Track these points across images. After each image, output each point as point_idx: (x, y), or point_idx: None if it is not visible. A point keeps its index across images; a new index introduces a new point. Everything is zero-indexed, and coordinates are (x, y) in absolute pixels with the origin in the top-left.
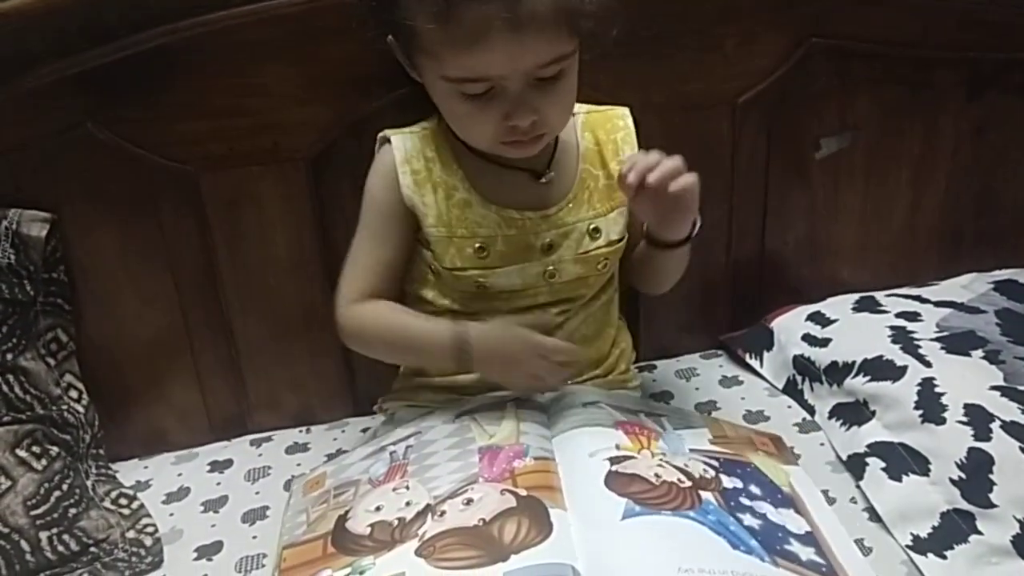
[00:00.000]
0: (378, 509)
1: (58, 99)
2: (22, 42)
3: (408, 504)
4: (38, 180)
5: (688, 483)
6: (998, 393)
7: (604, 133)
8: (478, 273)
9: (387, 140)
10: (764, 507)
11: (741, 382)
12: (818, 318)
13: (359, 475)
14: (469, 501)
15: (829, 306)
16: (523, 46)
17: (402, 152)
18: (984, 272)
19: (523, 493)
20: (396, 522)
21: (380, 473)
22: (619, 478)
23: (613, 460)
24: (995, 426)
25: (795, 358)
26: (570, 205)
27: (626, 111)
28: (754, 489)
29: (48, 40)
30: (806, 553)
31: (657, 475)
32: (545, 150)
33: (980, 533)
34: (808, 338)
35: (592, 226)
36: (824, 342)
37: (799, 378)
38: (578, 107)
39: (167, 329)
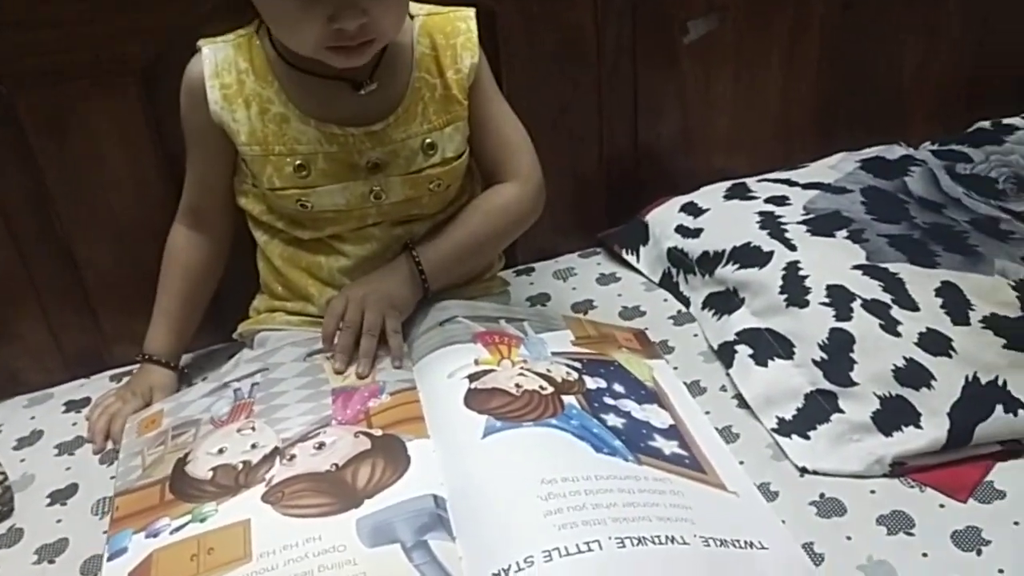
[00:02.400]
0: (221, 451)
1: None
2: None
3: (254, 447)
4: None
5: (550, 389)
6: (860, 272)
7: (443, 37)
8: (299, 192)
9: (199, 51)
10: (628, 405)
11: (619, 279)
12: (691, 208)
13: (200, 414)
14: (321, 445)
15: (701, 196)
16: None
17: (212, 64)
18: (853, 151)
19: (378, 433)
20: (241, 466)
21: (223, 412)
22: (479, 395)
23: (472, 377)
24: (856, 305)
25: (669, 250)
26: (399, 119)
27: (471, 12)
28: (618, 387)
29: None
30: (669, 447)
31: (518, 385)
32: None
33: (842, 412)
34: (681, 229)
35: (427, 141)
36: (696, 232)
37: (674, 270)
38: (417, 8)
39: (1, 262)
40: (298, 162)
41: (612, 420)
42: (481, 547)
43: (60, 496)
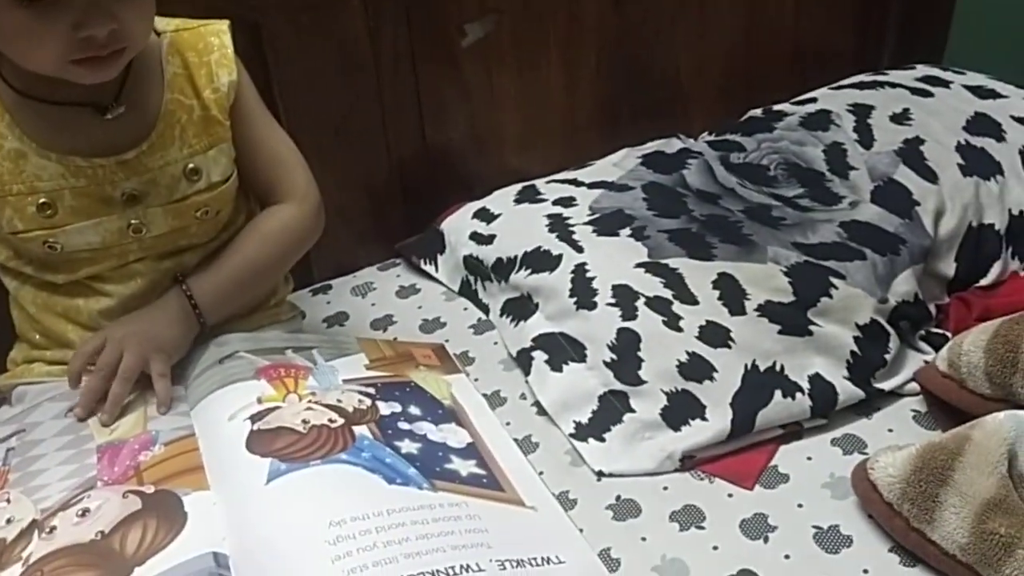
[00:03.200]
0: None
1: None
2: None
3: (9, 521)
4: None
5: (340, 421)
6: (643, 270)
7: (195, 55)
8: (45, 234)
9: None
10: (424, 427)
11: (419, 290)
12: (483, 214)
13: None
14: (85, 512)
15: (493, 200)
16: None
17: None
18: (636, 147)
19: (150, 490)
20: None
21: None
22: (262, 436)
23: (255, 417)
24: (640, 303)
25: (465, 258)
26: (154, 146)
27: (224, 26)
28: (413, 410)
29: None
30: (467, 467)
31: (305, 421)
32: (112, 79)
33: (633, 411)
34: (476, 236)
35: (189, 166)
36: (490, 239)
37: (472, 278)
38: (164, 23)
39: None
40: (41, 200)
41: (407, 447)
42: None
43: None
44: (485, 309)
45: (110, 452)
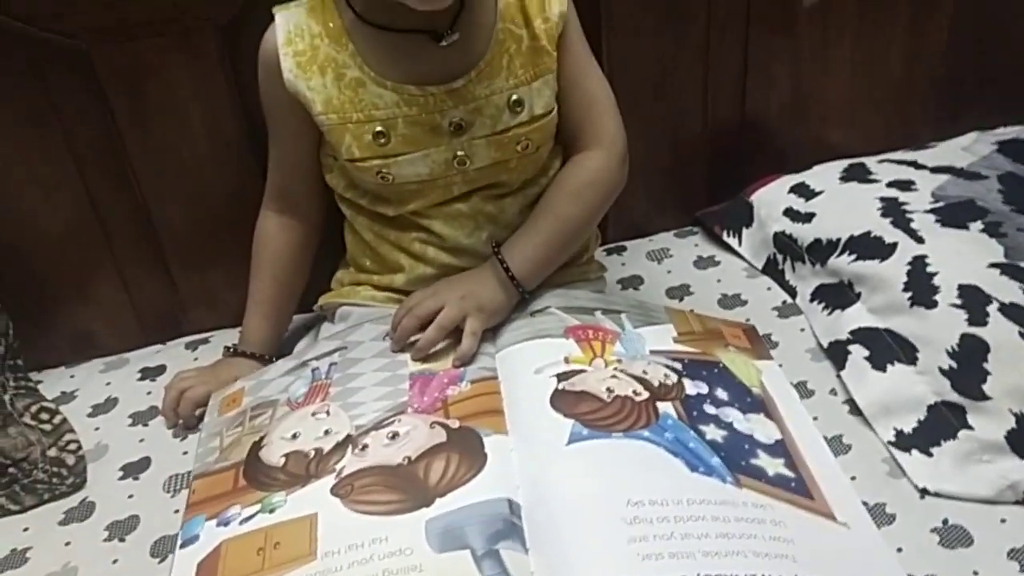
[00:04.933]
0: (295, 437)
1: None
2: None
3: (327, 433)
4: None
5: (644, 395)
6: (997, 271)
7: None
8: (379, 163)
9: (273, 18)
10: (731, 414)
11: (718, 263)
12: (802, 190)
13: (278, 394)
14: (395, 435)
15: (814, 176)
16: None
17: (285, 31)
18: (988, 131)
19: (455, 425)
20: (313, 453)
21: (300, 393)
22: (566, 396)
23: (561, 376)
24: (992, 309)
25: (776, 235)
26: (482, 73)
27: None
28: (720, 393)
29: None
30: (774, 467)
31: (609, 389)
32: (448, 7)
33: (971, 428)
34: (790, 213)
35: (513, 97)
36: (808, 217)
37: (780, 257)
38: None
39: (76, 220)
40: (377, 128)
41: (711, 432)
42: (556, 565)
43: (133, 470)
44: (791, 291)
45: (421, 381)
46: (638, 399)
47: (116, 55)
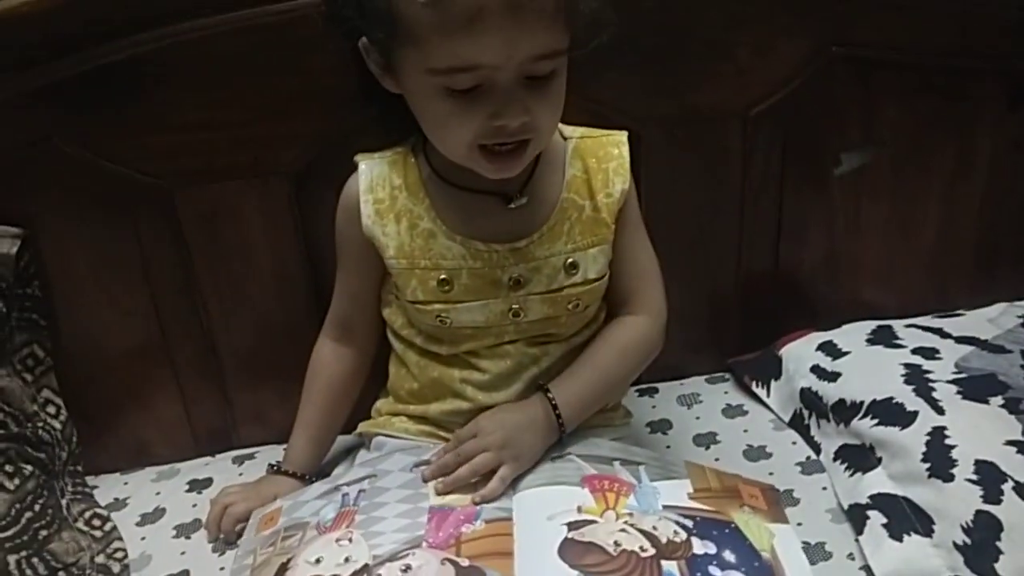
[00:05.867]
0: (318, 561)
1: (23, 113)
2: None
3: (347, 560)
4: (8, 195)
5: (651, 551)
6: (1014, 449)
7: (596, 161)
8: (440, 307)
9: (356, 167)
10: None
11: (746, 412)
12: (829, 348)
13: (310, 516)
14: (407, 568)
15: (842, 335)
16: (520, 31)
17: (367, 179)
18: (1017, 302)
19: (464, 563)
20: None
21: (329, 519)
22: (574, 546)
23: (571, 525)
24: (1007, 487)
25: (802, 391)
26: (544, 237)
27: (623, 137)
28: (728, 556)
29: (9, 52)
30: None
31: (617, 543)
32: (520, 172)
33: None
34: (817, 370)
35: (569, 260)
36: (834, 376)
37: (806, 412)
38: (571, 131)
39: (146, 342)
40: (442, 276)
41: None
42: None
43: None
44: (816, 448)
45: (439, 516)
46: (644, 555)
47: (197, 197)
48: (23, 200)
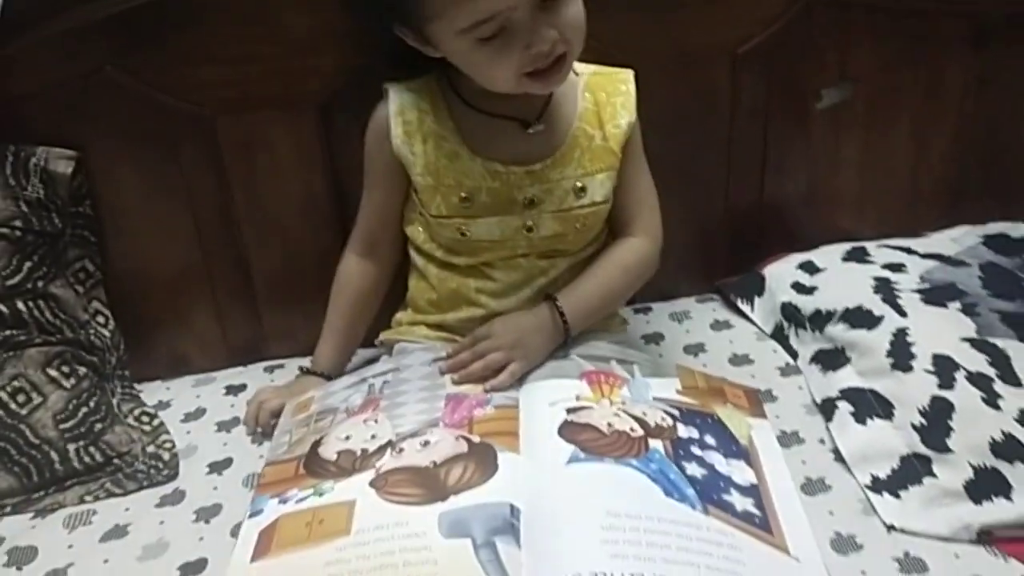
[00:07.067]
0: (347, 438)
1: (82, 43)
2: None
3: (373, 437)
4: (64, 120)
5: (639, 432)
6: (968, 344)
7: (605, 95)
8: (460, 221)
9: (386, 92)
10: (714, 457)
11: (732, 326)
12: (808, 267)
13: (339, 403)
14: (426, 443)
15: (820, 255)
16: None
17: (396, 103)
18: (978, 225)
19: (476, 440)
20: (360, 452)
21: (356, 404)
22: (572, 427)
23: (570, 410)
24: (959, 375)
25: (783, 305)
26: (557, 161)
27: (630, 75)
28: (708, 439)
29: None
30: (743, 504)
31: (609, 424)
32: (538, 101)
33: (935, 476)
34: (796, 286)
35: (579, 184)
36: (811, 290)
37: (786, 324)
38: (583, 67)
39: (188, 262)
40: (463, 194)
41: (692, 469)
42: (539, 557)
43: (217, 467)
44: (794, 354)
45: (454, 401)
46: (633, 435)
47: (234, 125)
48: (77, 125)
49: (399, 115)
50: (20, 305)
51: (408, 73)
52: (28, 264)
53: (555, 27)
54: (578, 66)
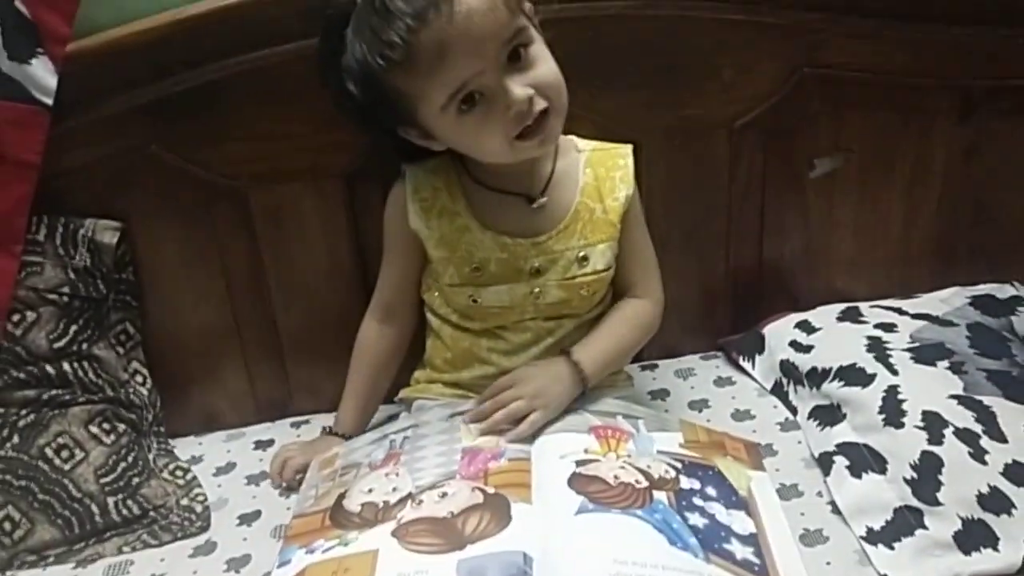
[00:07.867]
0: (370, 491)
1: (127, 124)
2: (96, 76)
3: (394, 489)
4: (110, 193)
5: (645, 483)
6: (955, 401)
7: (605, 170)
8: (471, 289)
9: (402, 174)
10: (715, 508)
11: (734, 383)
12: (805, 326)
13: (363, 458)
14: (444, 495)
15: (816, 315)
16: (480, 35)
17: (413, 183)
18: (966, 286)
19: (491, 491)
20: (382, 504)
21: (379, 459)
22: (581, 478)
23: (579, 462)
24: (948, 432)
25: (782, 362)
26: (561, 233)
27: (628, 149)
28: (710, 491)
29: (118, 75)
30: (743, 552)
31: (616, 476)
32: (542, 177)
33: (926, 528)
34: (794, 344)
35: (581, 254)
36: (808, 348)
37: (785, 380)
38: (585, 144)
39: (220, 323)
40: (474, 264)
41: (694, 519)
42: None
43: (247, 519)
44: (793, 410)
45: (470, 454)
46: (638, 486)
47: (265, 196)
48: (123, 197)
49: (415, 194)
50: (66, 366)
51: (424, 157)
52: (74, 328)
53: (528, 85)
54: (580, 143)
